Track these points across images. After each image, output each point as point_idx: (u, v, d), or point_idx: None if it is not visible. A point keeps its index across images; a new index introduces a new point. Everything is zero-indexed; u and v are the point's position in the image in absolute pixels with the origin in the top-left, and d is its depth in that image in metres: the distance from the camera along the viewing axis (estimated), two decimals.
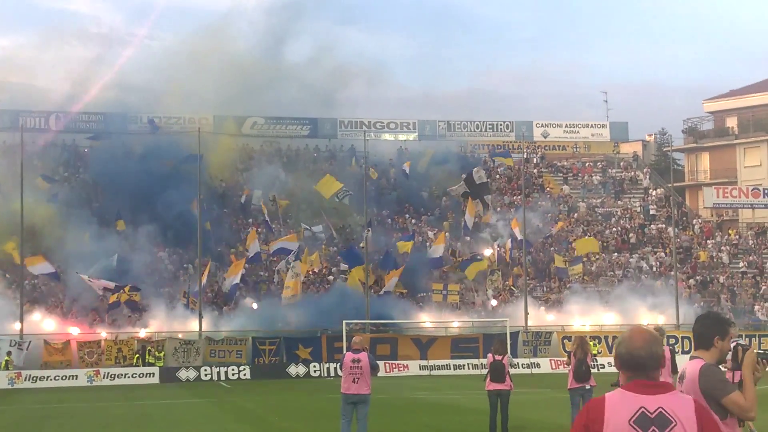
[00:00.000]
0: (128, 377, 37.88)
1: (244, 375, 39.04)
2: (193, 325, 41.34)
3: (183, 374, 38.52)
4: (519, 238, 48.19)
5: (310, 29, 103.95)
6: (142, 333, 41.17)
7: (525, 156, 55.84)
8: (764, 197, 57.41)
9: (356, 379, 14.57)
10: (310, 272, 47.87)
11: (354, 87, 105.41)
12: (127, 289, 41.83)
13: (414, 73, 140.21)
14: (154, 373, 38.37)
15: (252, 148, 60.61)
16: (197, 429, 20.24)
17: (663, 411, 3.97)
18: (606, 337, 43.02)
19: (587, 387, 15.78)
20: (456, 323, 44.73)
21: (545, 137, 64.29)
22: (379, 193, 56.33)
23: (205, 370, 38.87)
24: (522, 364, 39.35)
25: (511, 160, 58.82)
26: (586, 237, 53.03)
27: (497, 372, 16.52)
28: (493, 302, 47.49)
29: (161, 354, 39.19)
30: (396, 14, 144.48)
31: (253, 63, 62.88)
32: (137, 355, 39.13)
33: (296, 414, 23.48)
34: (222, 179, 56.31)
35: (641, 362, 4.08)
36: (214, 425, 20.97)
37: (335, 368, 37.58)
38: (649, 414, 3.96)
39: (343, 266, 48.69)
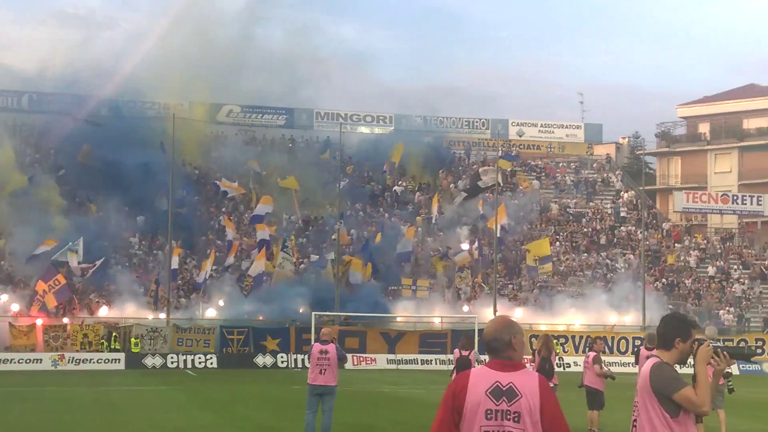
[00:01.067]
0: (93, 362, 37.57)
1: (211, 364, 38.88)
2: (160, 312, 41.09)
3: (149, 361, 38.27)
4: (495, 236, 48.30)
5: (292, 18, 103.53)
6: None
7: (500, 154, 56.14)
8: (733, 203, 58.09)
9: (323, 371, 14.55)
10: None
11: (332, 78, 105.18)
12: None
13: (392, 67, 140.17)
14: (119, 359, 38.08)
15: (226, 136, 60.29)
16: (162, 416, 20.13)
17: (513, 385, 4.82)
18: (573, 337, 43.33)
19: (551, 385, 15.89)
20: (425, 318, 44.85)
21: (520, 136, 64.54)
22: (352, 185, 56.29)
23: (172, 357, 38.65)
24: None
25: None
26: (540, 239, 52.48)
27: (464, 367, 16.59)
28: (465, 297, 47.62)
29: (137, 340, 38.78)
30: (378, 8, 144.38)
31: (231, 50, 62.53)
32: (103, 341, 38.81)
33: (262, 404, 23.44)
34: (195, 166, 55.95)
35: (490, 346, 4.93)
36: (179, 413, 20.87)
37: (303, 359, 37.55)
38: (501, 387, 4.82)
39: (314, 257, 48.76)
